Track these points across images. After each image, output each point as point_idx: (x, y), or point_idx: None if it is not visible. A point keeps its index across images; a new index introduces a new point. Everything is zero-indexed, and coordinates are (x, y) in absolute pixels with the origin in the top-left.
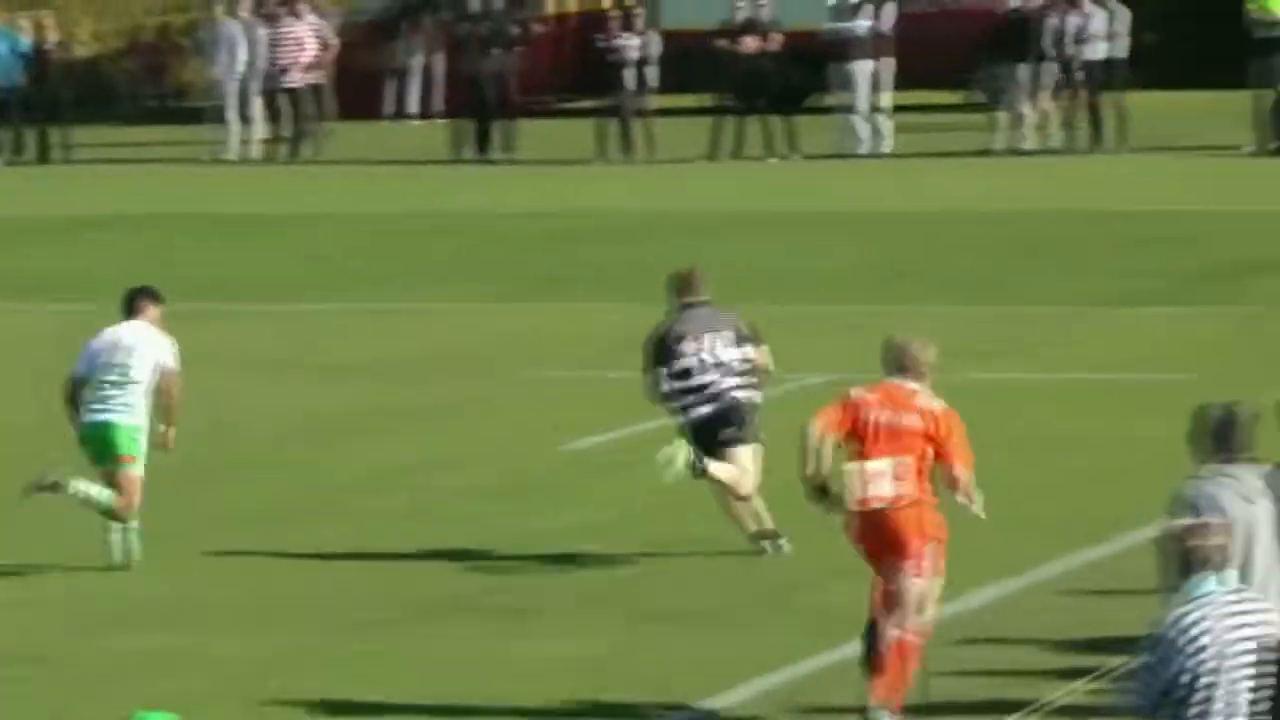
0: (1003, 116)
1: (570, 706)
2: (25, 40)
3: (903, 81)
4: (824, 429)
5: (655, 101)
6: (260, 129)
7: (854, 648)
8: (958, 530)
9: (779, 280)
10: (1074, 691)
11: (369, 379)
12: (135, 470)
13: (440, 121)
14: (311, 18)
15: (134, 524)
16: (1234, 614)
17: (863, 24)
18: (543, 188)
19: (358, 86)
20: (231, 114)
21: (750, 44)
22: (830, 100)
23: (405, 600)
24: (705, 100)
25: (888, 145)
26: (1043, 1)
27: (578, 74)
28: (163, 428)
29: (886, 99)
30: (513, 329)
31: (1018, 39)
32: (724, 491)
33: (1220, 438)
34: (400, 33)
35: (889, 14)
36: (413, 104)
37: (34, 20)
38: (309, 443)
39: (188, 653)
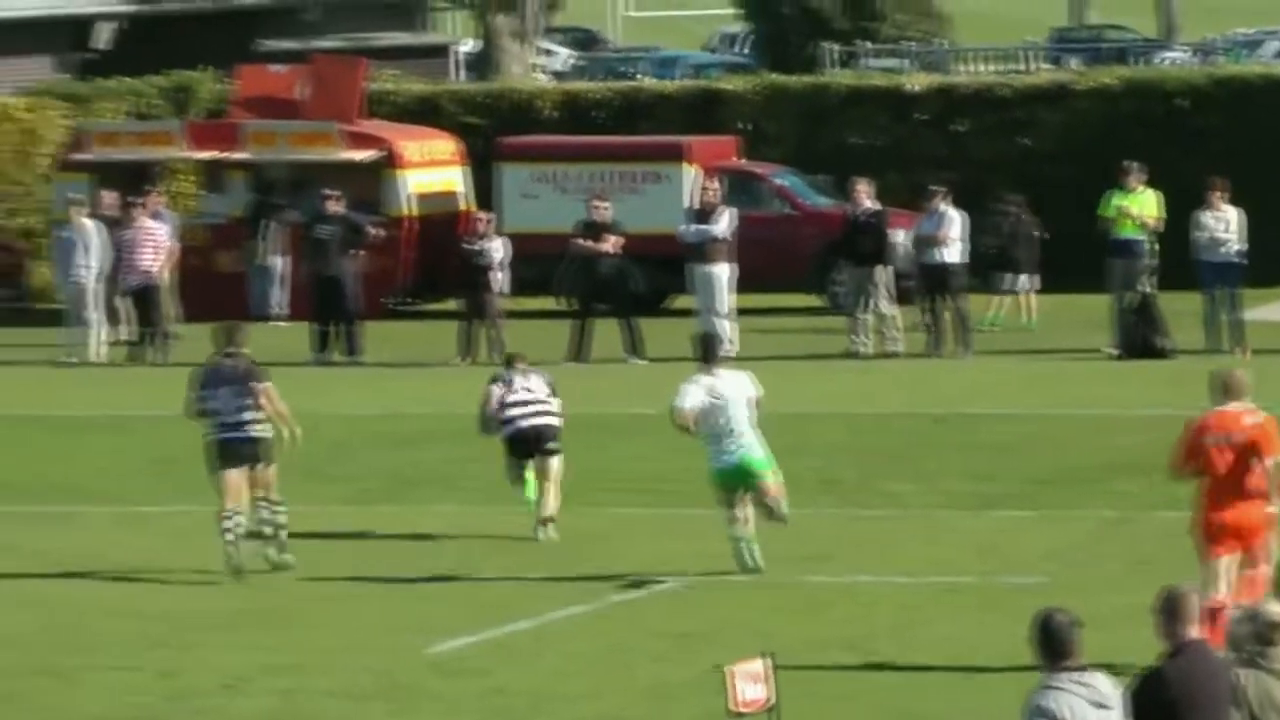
0: (848, 320)
1: None
2: None
3: (753, 284)
4: (1174, 470)
5: (507, 304)
6: (107, 332)
7: None
8: None
9: (638, 483)
10: None
11: (226, 582)
12: None
13: (303, 323)
14: (152, 222)
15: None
16: None
17: (707, 228)
18: (392, 389)
19: (220, 287)
20: (78, 316)
21: (601, 246)
22: (684, 303)
23: None
24: (555, 303)
25: (733, 349)
26: (883, 207)
27: (429, 277)
28: None
29: (730, 302)
30: (366, 529)
31: (863, 243)
32: None
33: (1054, 646)
34: (259, 234)
35: (729, 218)
36: (275, 305)
37: None
38: (167, 646)
39: None
